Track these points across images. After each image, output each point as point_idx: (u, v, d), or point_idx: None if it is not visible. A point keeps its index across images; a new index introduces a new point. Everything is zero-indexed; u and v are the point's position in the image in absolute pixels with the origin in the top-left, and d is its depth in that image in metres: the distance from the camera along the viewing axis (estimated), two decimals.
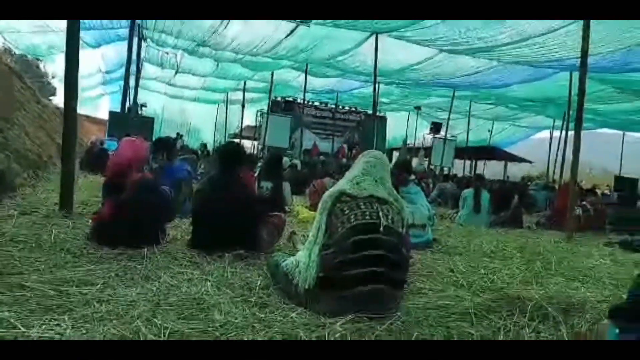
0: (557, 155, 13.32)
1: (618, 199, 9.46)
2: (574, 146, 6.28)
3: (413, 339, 2.05)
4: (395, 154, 22.74)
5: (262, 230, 3.33)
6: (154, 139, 9.95)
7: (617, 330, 2.13)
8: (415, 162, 20.31)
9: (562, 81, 10.64)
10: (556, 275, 3.66)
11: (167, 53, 14.83)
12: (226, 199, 3.16)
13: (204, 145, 18.41)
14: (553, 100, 13.00)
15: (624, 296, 2.40)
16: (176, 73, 17.01)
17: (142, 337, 1.81)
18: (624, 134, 18.76)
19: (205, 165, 9.97)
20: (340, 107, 20.56)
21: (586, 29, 6.16)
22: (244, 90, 16.23)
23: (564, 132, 12.77)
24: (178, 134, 19.76)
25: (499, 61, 10.40)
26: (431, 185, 11.86)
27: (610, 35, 7.54)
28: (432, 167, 18.19)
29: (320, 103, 20.81)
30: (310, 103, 20.07)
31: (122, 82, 13.76)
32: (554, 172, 15.74)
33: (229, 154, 3.41)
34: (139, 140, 3.67)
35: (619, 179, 17.40)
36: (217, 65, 14.90)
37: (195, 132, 25.76)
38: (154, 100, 22.11)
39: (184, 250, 3.23)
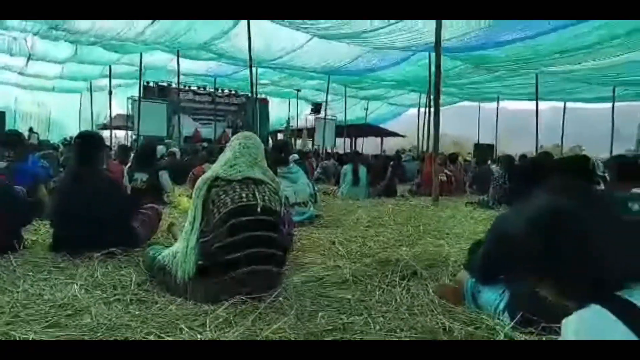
0: (423, 129, 14.52)
1: (476, 164, 10.64)
2: (434, 120, 6.91)
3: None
4: (280, 136, 22.92)
5: (135, 225, 3.14)
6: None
7: (472, 279, 2.43)
8: (299, 143, 20.72)
9: (424, 61, 11.57)
10: (424, 236, 4.03)
11: (14, 38, 13.01)
12: (88, 194, 2.91)
13: (67, 140, 16.68)
14: (418, 78, 14.05)
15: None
16: (28, 60, 15.04)
17: None
18: (479, 105, 21.01)
19: (69, 161, 9.04)
20: (220, 90, 20.00)
21: None
22: (109, 75, 14.92)
23: (429, 108, 13.89)
24: (31, 128, 17.76)
25: (365, 47, 10.98)
26: (315, 164, 12.20)
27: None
28: (316, 146, 18.66)
29: (198, 87, 20.03)
30: (187, 87, 19.19)
31: None
32: (422, 144, 17.16)
33: (84, 145, 3.13)
34: None
35: (477, 146, 19.56)
36: (76, 49, 13.48)
37: (58, 126, 23.20)
38: (5, 93, 19.49)
39: (45, 255, 2.94)
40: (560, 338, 0.95)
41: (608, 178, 4.89)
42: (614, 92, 14.24)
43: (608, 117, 15.44)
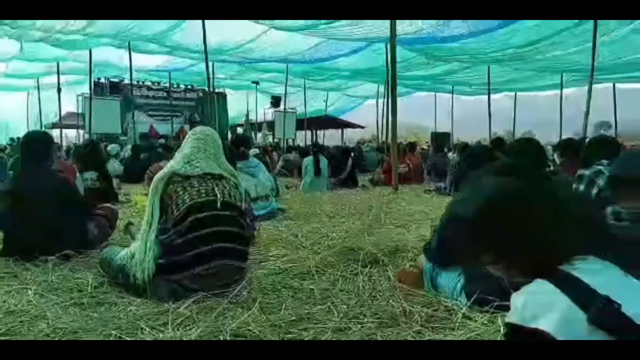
0: (382, 119, 14.71)
1: (433, 152, 10.89)
2: (391, 110, 7.01)
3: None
4: (240, 130, 22.62)
5: (90, 225, 3.05)
6: None
7: (430, 263, 2.51)
8: (259, 136, 20.52)
9: (380, 51, 11.69)
10: (385, 225, 4.11)
11: None
12: (38, 195, 2.79)
13: (14, 140, 15.87)
14: (375, 69, 14.19)
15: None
16: None
17: None
18: (435, 95, 21.46)
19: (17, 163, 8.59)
20: (176, 85, 19.51)
21: None
22: (57, 72, 14.24)
23: (387, 98, 14.06)
24: None
25: (323, 37, 10.98)
26: (276, 158, 12.15)
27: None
28: (276, 140, 18.55)
29: (153, 83, 19.45)
30: (140, 83, 18.61)
31: None
32: (381, 134, 17.40)
33: (32, 146, 2.99)
34: None
35: (434, 135, 20.00)
36: (21, 45, 12.81)
37: (4, 127, 22.05)
38: None
39: None
40: (509, 313, 1.00)
41: (557, 161, 5.15)
42: (561, 79, 14.87)
43: (557, 104, 16.21)
